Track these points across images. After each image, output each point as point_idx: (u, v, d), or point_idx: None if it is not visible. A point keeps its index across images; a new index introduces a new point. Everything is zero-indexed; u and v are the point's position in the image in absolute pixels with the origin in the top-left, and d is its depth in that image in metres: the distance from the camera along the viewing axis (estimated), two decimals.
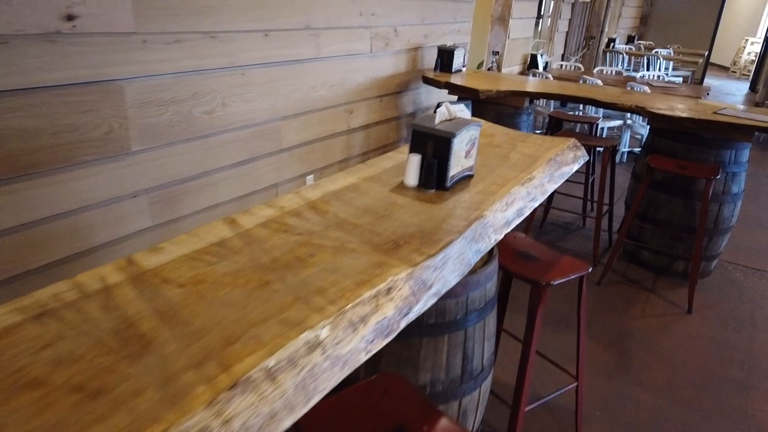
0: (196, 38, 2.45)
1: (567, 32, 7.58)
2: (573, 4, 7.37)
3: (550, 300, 3.25)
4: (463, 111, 1.87)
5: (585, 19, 8.60)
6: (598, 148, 4.09)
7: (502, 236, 1.50)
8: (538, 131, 6.01)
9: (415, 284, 1.13)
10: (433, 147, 1.60)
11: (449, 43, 4.36)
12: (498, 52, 5.76)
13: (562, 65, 7.14)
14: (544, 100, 6.06)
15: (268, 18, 2.80)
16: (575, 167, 2.11)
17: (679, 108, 3.41)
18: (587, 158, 2.21)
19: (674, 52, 10.35)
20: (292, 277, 1.08)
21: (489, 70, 5.81)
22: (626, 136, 6.00)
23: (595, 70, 6.87)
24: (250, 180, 2.95)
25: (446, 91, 3.93)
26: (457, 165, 1.64)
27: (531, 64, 6.28)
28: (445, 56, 4.13)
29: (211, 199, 2.74)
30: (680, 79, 9.35)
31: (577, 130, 5.81)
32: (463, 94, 3.76)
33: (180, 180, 2.53)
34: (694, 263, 3.18)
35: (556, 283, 1.84)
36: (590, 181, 4.13)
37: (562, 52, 7.69)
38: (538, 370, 2.63)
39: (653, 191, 3.50)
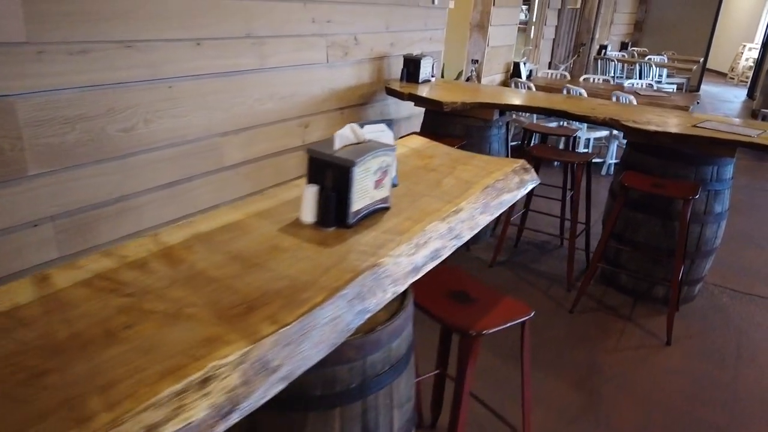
0: (108, 48, 2.20)
1: (554, 39, 7.34)
2: (560, 11, 7.13)
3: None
4: (383, 132, 1.62)
5: (574, 25, 8.36)
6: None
7: (405, 286, 1.24)
8: (513, 143, 5.74)
9: (251, 369, 0.87)
10: (332, 177, 1.35)
11: (416, 52, 4.11)
12: (477, 61, 5.52)
13: (549, 74, 6.89)
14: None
15: (200, 25, 2.56)
16: (520, 193, 1.85)
17: (656, 121, 3.16)
18: (537, 182, 1.95)
19: (668, 58, 10.11)
20: (83, 364, 0.83)
21: (468, 79, 5.56)
22: (613, 147, 5.74)
23: (581, 79, 6.63)
24: (185, 202, 2.70)
25: (412, 103, 3.68)
26: (363, 197, 1.39)
27: (514, 73, 6.04)
28: (411, 66, 3.88)
29: (135, 225, 2.49)
30: (674, 87, 9.11)
31: (560, 145, 5.56)
32: (427, 105, 3.51)
33: (93, 205, 2.28)
34: (673, 291, 2.91)
35: (489, 332, 1.58)
36: (568, 198, 3.87)
37: (549, 60, 7.44)
38: (481, 424, 2.36)
39: (630, 211, 3.24)
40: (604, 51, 9.22)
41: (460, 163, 1.95)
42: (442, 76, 5.92)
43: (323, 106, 3.48)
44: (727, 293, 3.54)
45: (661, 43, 12.02)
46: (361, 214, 1.40)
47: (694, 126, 3.08)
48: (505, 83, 6.04)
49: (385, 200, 1.48)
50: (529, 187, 1.91)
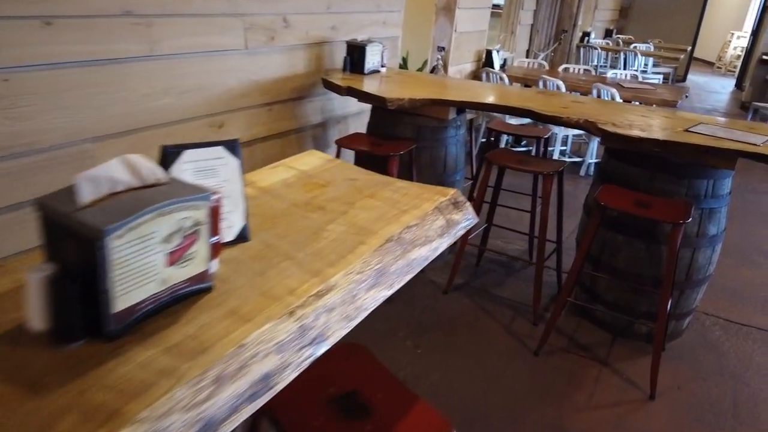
0: None
1: (532, 25, 6.76)
2: None
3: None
4: (218, 161, 1.04)
5: (555, 10, 7.78)
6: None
7: None
8: (483, 140, 5.15)
9: None
10: (74, 254, 0.77)
11: (366, 37, 3.51)
12: (444, 49, 4.93)
13: (526, 63, 6.32)
14: None
15: (50, 0, 1.95)
16: (445, 243, 1.29)
17: (640, 124, 2.60)
18: (472, 222, 1.39)
19: (655, 47, 9.59)
20: None
21: (433, 69, 4.97)
22: (593, 145, 5.20)
23: (560, 69, 6.07)
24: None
25: (356, 99, 3.09)
26: (143, 284, 0.81)
27: (486, 63, 5.46)
28: (355, 54, 3.29)
29: None
30: (660, 78, 8.60)
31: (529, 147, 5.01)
32: (369, 101, 2.93)
33: None
34: (658, 330, 2.38)
35: None
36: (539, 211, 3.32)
37: (527, 48, 6.87)
38: None
39: (608, 231, 2.70)
40: (587, 38, 8.66)
41: (364, 196, 1.37)
42: (405, 66, 5.33)
43: (242, 102, 2.89)
44: (720, 324, 3.03)
45: (647, 31, 11.49)
46: (143, 311, 0.82)
47: (686, 131, 2.53)
48: (476, 74, 5.46)
49: (201, 278, 0.91)
50: (461, 232, 1.34)
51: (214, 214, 0.91)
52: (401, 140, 2.99)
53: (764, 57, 9.05)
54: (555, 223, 3.20)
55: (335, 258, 1.07)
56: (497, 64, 5.42)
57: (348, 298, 0.99)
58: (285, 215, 1.25)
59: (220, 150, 1.05)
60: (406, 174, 3.09)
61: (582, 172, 5.23)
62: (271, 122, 3.12)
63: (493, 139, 3.63)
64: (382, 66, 3.47)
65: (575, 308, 3.01)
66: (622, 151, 2.62)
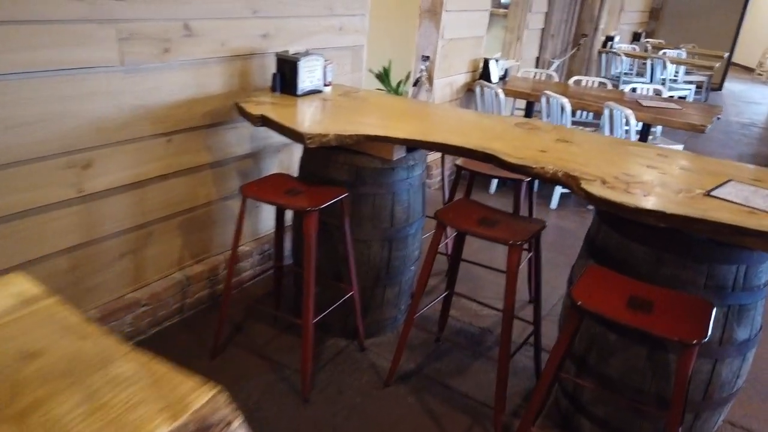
0: None
1: (543, 29, 5.96)
2: None
3: None
4: None
5: (574, 12, 6.96)
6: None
7: None
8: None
9: None
10: None
11: (303, 49, 2.81)
12: (428, 58, 4.21)
13: (533, 73, 5.54)
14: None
15: None
16: None
17: (642, 180, 1.86)
18: None
19: (687, 53, 8.66)
20: None
21: (416, 82, 4.25)
22: None
23: (572, 81, 5.27)
24: None
25: (276, 132, 2.39)
26: None
27: (483, 74, 4.71)
28: (287, 70, 2.60)
29: None
30: (693, 88, 7.70)
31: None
32: (285, 135, 2.24)
33: None
34: None
35: None
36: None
37: (537, 55, 6.08)
38: None
39: (596, 325, 1.96)
40: (610, 43, 7.81)
41: (12, 413, 0.68)
42: (386, 79, 4.61)
43: (123, 133, 2.23)
44: None
45: (680, 34, 10.52)
46: None
47: (708, 194, 1.78)
48: (470, 87, 4.72)
49: None
50: None
51: None
52: (330, 187, 2.29)
53: None
54: (553, 272, 2.46)
55: None
56: (495, 75, 4.66)
57: None
58: None
59: None
60: (335, 233, 2.40)
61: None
62: (171, 156, 2.45)
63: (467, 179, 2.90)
64: (326, 85, 2.77)
65: (555, 416, 2.28)
66: (618, 217, 1.88)
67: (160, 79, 2.30)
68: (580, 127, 4.98)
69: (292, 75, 2.58)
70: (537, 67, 6.08)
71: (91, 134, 2.12)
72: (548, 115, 4.27)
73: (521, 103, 5.05)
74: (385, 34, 4.93)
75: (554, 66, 6.42)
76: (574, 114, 4.71)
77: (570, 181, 1.87)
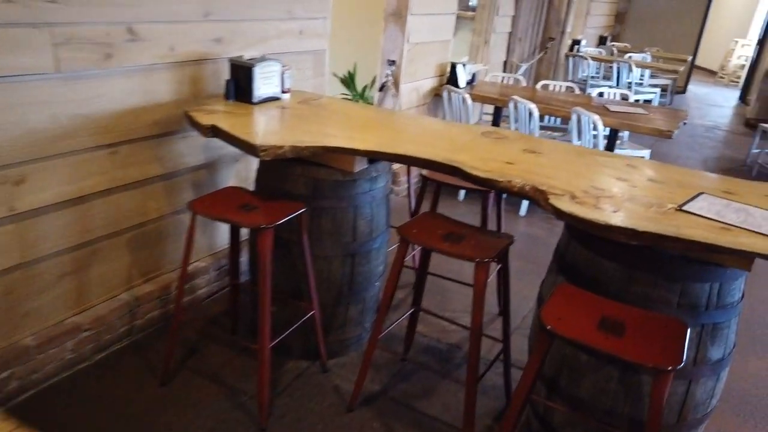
0: None
1: (510, 33, 5.92)
2: None
3: None
4: None
5: (541, 16, 6.95)
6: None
7: None
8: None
9: None
10: None
11: (259, 54, 2.67)
12: (394, 62, 4.10)
13: (501, 78, 5.49)
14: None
15: None
16: None
17: (612, 194, 1.77)
18: None
19: (652, 56, 8.76)
20: None
21: (382, 87, 4.14)
22: None
23: (539, 86, 5.23)
24: None
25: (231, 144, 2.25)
26: None
27: (451, 78, 4.63)
28: (241, 77, 2.46)
29: None
30: (658, 91, 7.77)
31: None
32: (238, 147, 2.10)
33: None
34: None
35: None
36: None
37: (505, 59, 6.03)
38: None
39: (566, 346, 1.87)
40: (577, 47, 7.84)
41: None
42: (351, 84, 4.50)
43: (61, 146, 2.06)
44: None
45: (645, 38, 10.65)
46: None
47: (680, 209, 1.70)
48: (438, 92, 4.63)
49: None
50: None
51: None
52: (287, 201, 2.16)
53: None
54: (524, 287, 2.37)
55: None
56: (462, 80, 4.58)
57: None
58: None
59: None
60: (293, 249, 2.27)
61: None
62: (116, 169, 2.28)
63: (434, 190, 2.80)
64: (284, 92, 2.64)
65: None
66: (587, 232, 1.80)
67: (102, 86, 2.14)
68: (549, 132, 4.95)
69: (247, 82, 2.44)
70: (505, 71, 6.04)
71: (23, 147, 1.95)
72: (516, 121, 4.20)
73: (490, 108, 4.99)
74: (351, 38, 4.82)
75: (522, 70, 6.40)
76: (542, 119, 4.67)
77: (538, 196, 1.78)
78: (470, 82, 4.80)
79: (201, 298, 2.79)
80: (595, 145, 3.90)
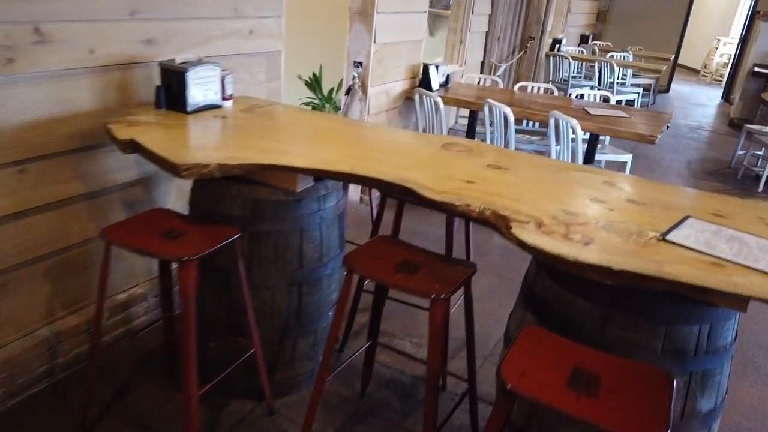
0: None
1: (487, 32, 5.69)
2: None
3: None
4: None
5: (520, 15, 6.73)
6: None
7: None
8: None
9: None
10: None
11: (190, 58, 2.38)
12: (361, 64, 3.84)
13: (477, 79, 5.24)
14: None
15: None
16: None
17: (584, 220, 1.53)
18: None
19: (635, 56, 8.59)
20: None
21: (348, 91, 3.88)
22: None
23: (516, 88, 4.99)
24: None
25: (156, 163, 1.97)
26: None
27: (423, 80, 4.38)
28: (173, 82, 2.18)
29: None
30: (640, 91, 7.59)
31: None
32: (158, 164, 1.82)
33: None
34: None
35: None
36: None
37: (482, 60, 5.79)
38: None
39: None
40: (558, 46, 7.63)
41: None
42: (317, 87, 4.21)
43: None
44: None
45: (627, 36, 10.49)
46: None
47: (663, 238, 1.46)
48: (408, 95, 4.38)
49: None
50: None
51: None
52: (220, 226, 1.89)
53: (756, 69, 8.09)
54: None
55: None
56: (436, 82, 4.33)
57: None
58: None
59: None
60: (231, 279, 2.00)
61: None
62: (27, 190, 2.00)
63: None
64: (226, 98, 2.36)
65: None
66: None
67: (4, 95, 1.85)
68: (527, 136, 4.71)
69: (180, 88, 2.16)
70: (482, 72, 5.80)
71: None
72: (491, 125, 3.96)
73: (466, 111, 4.75)
74: (317, 38, 4.55)
75: (501, 70, 6.17)
76: (520, 123, 4.44)
77: (499, 223, 1.53)
78: (444, 84, 4.55)
79: (138, 328, 2.51)
80: (574, 150, 3.67)
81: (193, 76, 2.16)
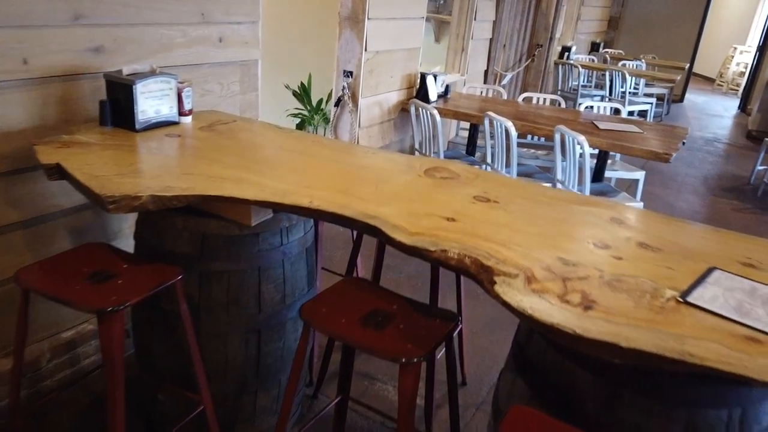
0: None
1: (491, 39, 5.40)
2: (498, 1, 5.20)
3: None
4: None
5: (527, 21, 6.45)
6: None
7: None
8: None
9: None
10: None
11: (140, 69, 2.12)
12: (352, 73, 3.58)
13: (480, 90, 4.96)
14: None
15: None
16: None
17: (585, 273, 1.24)
18: None
19: (647, 64, 8.26)
20: None
21: (338, 102, 3.62)
22: None
23: (521, 98, 4.70)
24: None
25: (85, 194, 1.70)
26: None
27: (420, 91, 4.11)
28: (120, 96, 1.92)
29: None
30: (653, 101, 7.27)
31: None
32: (85, 194, 1.56)
33: None
34: None
35: None
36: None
37: (485, 68, 5.51)
38: None
39: None
40: (567, 54, 7.33)
41: None
42: (306, 97, 3.97)
43: None
44: None
45: (640, 44, 10.16)
46: None
47: (683, 300, 1.17)
48: (404, 106, 4.11)
49: None
50: None
51: None
52: (161, 265, 1.62)
53: None
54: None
55: None
56: (434, 93, 4.06)
57: None
58: None
59: None
60: (180, 325, 1.73)
61: None
62: None
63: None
64: (184, 114, 2.10)
65: None
66: None
67: None
68: (533, 150, 4.42)
69: (128, 103, 1.90)
70: (486, 81, 5.52)
71: None
72: (492, 138, 3.68)
73: (467, 123, 4.47)
74: (305, 44, 4.29)
75: (506, 79, 5.88)
76: (524, 136, 4.15)
77: (481, 275, 1.25)
78: (444, 95, 4.27)
79: (85, 371, 2.25)
80: (581, 166, 3.37)
81: (142, 89, 1.90)
